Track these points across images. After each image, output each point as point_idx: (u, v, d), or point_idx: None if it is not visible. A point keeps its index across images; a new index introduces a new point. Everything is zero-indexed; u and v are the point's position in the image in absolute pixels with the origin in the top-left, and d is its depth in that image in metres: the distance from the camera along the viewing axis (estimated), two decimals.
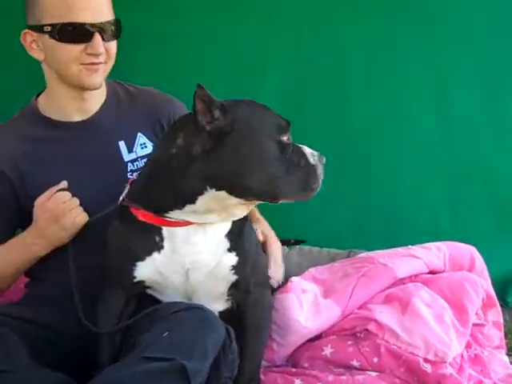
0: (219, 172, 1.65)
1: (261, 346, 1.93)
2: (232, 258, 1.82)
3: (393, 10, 2.97)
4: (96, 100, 2.05)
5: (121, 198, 1.83)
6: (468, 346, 2.08)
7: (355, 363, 2.00)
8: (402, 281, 2.17)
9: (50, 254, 1.96)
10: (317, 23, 3.00)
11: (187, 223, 1.75)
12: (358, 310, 2.09)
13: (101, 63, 1.93)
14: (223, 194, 1.67)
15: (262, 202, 1.76)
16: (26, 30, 1.92)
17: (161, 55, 3.03)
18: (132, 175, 2.02)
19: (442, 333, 1.98)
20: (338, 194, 3.04)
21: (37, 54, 1.94)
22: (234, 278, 1.84)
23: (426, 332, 1.98)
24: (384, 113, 3.05)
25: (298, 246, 2.65)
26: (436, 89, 3.03)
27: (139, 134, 2.07)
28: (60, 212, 1.88)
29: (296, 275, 2.19)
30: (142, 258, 1.80)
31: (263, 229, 2.12)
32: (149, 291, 1.89)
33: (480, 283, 2.18)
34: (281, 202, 1.71)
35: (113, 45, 1.95)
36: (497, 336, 2.23)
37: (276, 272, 2.09)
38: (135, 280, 1.83)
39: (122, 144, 2.05)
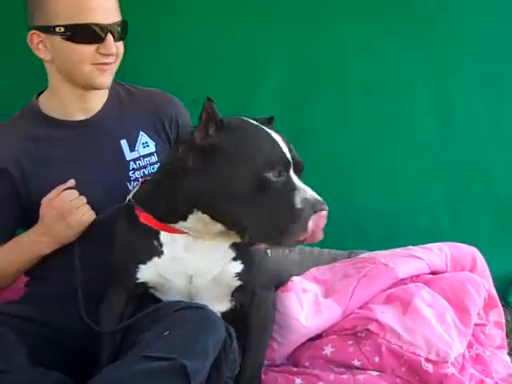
0: (202, 192, 1.61)
1: (263, 347, 1.93)
2: (237, 266, 1.81)
3: (393, 10, 2.97)
4: (99, 99, 2.04)
5: (128, 198, 1.83)
6: (470, 345, 2.07)
7: (356, 363, 1.99)
8: (403, 281, 2.17)
9: (53, 253, 1.95)
10: (317, 23, 3.00)
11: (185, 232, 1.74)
12: (359, 309, 2.08)
13: (111, 63, 1.94)
14: (206, 217, 1.65)
15: None
16: (34, 31, 1.91)
17: (161, 55, 3.04)
18: (134, 174, 2.02)
19: (443, 332, 1.98)
20: (337, 195, 3.03)
21: (44, 54, 1.94)
22: (238, 283, 1.84)
23: (427, 332, 1.97)
24: (384, 113, 3.05)
25: (298, 247, 2.63)
26: (436, 89, 3.03)
27: (141, 132, 2.07)
28: (67, 210, 1.87)
29: (297, 275, 2.19)
30: (143, 261, 1.80)
31: None
32: (151, 291, 1.88)
33: (482, 283, 2.18)
34: (259, 245, 1.62)
35: (121, 45, 1.96)
36: (498, 336, 2.23)
37: None
38: (138, 281, 1.83)
39: (123, 143, 2.04)
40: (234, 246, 1.79)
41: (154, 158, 2.07)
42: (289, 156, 1.61)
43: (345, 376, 1.93)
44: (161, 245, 1.77)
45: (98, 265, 1.88)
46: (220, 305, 1.88)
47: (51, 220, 1.89)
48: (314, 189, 1.60)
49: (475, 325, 2.12)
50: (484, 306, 2.18)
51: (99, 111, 2.05)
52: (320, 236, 1.57)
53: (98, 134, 2.02)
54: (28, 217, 1.98)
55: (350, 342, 2.03)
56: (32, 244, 1.94)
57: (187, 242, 1.75)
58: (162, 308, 1.78)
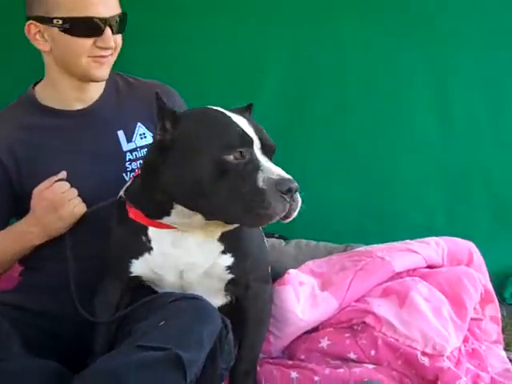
0: (174, 186, 1.62)
1: (260, 339, 1.93)
2: (227, 259, 1.81)
3: (393, 10, 2.99)
4: (96, 89, 2.05)
5: (121, 192, 1.83)
6: (466, 340, 2.07)
7: (352, 356, 1.99)
8: (399, 275, 2.16)
9: (46, 243, 1.95)
10: (317, 23, 3.01)
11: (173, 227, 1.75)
12: (356, 302, 2.08)
13: (108, 56, 1.95)
14: (186, 210, 1.65)
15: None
16: (31, 21, 1.91)
17: (161, 55, 3.05)
18: (130, 165, 2.03)
19: (440, 326, 1.98)
20: (337, 193, 3.05)
21: (41, 45, 1.94)
22: (229, 276, 1.83)
23: (424, 325, 1.97)
24: (384, 112, 3.06)
25: (294, 240, 2.64)
26: (436, 88, 3.04)
27: (139, 123, 2.07)
28: (58, 202, 1.88)
29: (292, 268, 2.19)
30: (135, 256, 1.80)
31: None
32: (147, 283, 1.89)
33: (478, 278, 2.17)
34: (238, 225, 1.63)
35: (119, 37, 1.97)
36: (494, 331, 2.22)
37: None
38: (132, 275, 1.84)
39: (120, 133, 2.04)
40: (223, 239, 1.78)
41: None
42: (252, 135, 1.60)
43: (341, 370, 1.92)
44: (149, 240, 1.77)
45: (90, 256, 1.89)
46: (216, 299, 1.88)
47: (42, 211, 1.89)
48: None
49: (471, 319, 2.11)
50: (480, 301, 2.18)
51: (97, 100, 2.05)
52: (292, 214, 1.56)
53: (95, 123, 2.03)
54: (21, 206, 1.98)
55: (347, 335, 2.03)
56: (23, 234, 1.95)
57: (174, 238, 1.76)
58: (159, 298, 1.78)
